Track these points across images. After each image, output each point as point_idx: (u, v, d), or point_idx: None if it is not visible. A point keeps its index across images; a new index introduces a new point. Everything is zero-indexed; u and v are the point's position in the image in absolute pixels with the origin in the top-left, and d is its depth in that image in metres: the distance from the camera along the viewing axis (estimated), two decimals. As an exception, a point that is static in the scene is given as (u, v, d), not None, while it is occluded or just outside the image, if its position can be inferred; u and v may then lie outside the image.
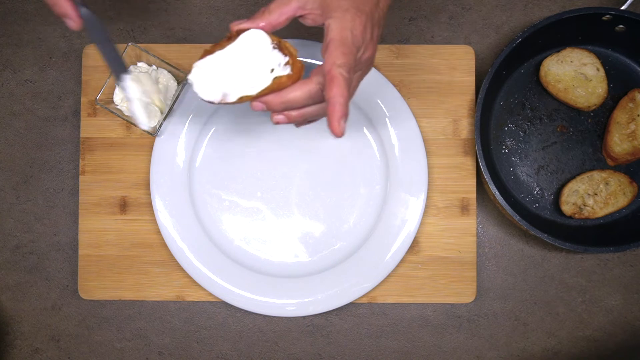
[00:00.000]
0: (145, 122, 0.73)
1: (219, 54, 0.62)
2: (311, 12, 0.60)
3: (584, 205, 0.81)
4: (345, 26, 0.58)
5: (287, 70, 0.61)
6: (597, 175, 0.82)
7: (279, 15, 0.60)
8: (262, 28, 0.61)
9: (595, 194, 0.81)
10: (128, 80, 0.70)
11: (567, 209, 0.82)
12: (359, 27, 0.58)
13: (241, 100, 0.62)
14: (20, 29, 0.88)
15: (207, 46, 0.63)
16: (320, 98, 0.61)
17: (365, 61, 0.61)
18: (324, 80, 0.58)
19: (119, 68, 0.70)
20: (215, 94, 0.62)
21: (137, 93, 0.72)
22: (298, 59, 0.62)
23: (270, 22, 0.60)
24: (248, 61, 0.61)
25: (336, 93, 0.57)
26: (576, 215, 0.82)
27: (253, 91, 0.61)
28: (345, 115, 0.58)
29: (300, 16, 0.60)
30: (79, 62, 0.87)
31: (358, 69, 0.61)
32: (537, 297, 0.85)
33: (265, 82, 0.61)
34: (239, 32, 0.62)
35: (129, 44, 0.81)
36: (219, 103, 0.62)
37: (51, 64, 0.88)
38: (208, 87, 0.62)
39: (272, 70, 0.61)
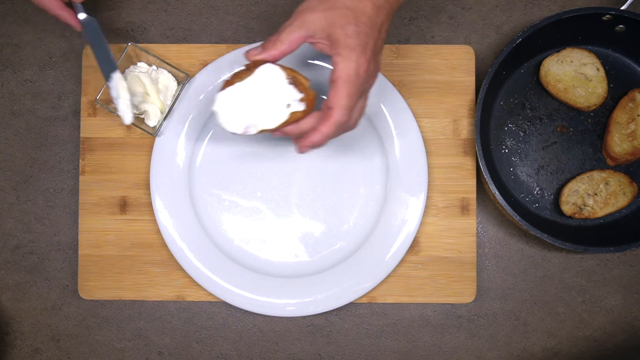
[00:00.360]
0: (129, 118, 0.77)
1: (238, 86, 0.68)
2: (319, 42, 0.64)
3: (584, 205, 0.81)
4: (350, 67, 0.62)
5: (302, 107, 0.68)
6: (597, 175, 0.82)
7: (289, 44, 0.64)
8: (274, 57, 0.65)
9: (595, 194, 0.81)
10: (116, 79, 0.76)
11: (567, 209, 0.82)
12: (364, 66, 0.62)
13: (261, 132, 0.69)
14: (20, 29, 0.88)
15: (227, 76, 0.71)
16: None
17: (370, 87, 0.66)
18: (324, 111, 0.64)
19: (109, 67, 0.75)
20: (238, 126, 0.69)
21: (123, 91, 0.76)
22: (310, 88, 0.69)
23: (282, 51, 0.65)
24: (266, 96, 0.68)
25: (323, 130, 0.64)
26: (576, 215, 0.82)
27: (272, 125, 0.68)
28: (317, 146, 0.66)
29: (311, 42, 0.65)
30: (79, 62, 0.87)
31: (362, 94, 0.65)
32: (537, 297, 0.85)
33: (283, 117, 0.68)
34: (256, 63, 0.67)
35: (129, 44, 0.81)
36: (242, 134, 0.69)
37: (51, 64, 0.88)
38: (231, 120, 0.69)
39: (289, 105, 0.68)
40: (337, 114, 0.63)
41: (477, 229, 0.86)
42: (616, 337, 0.85)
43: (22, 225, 0.87)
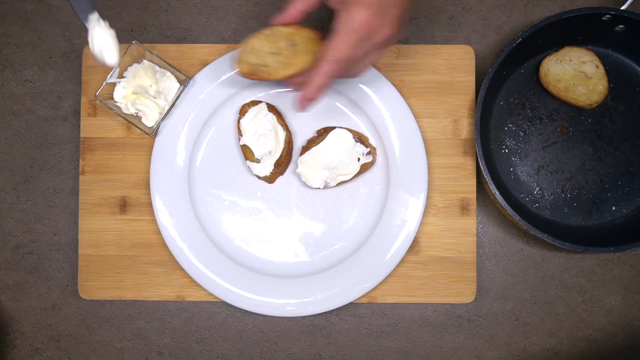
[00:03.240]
0: (113, 57, 0.72)
1: (314, 150, 0.82)
2: (331, 1, 0.67)
3: (264, 66, 0.73)
4: (348, 19, 0.64)
5: (370, 158, 0.83)
6: (283, 31, 0.72)
7: (305, 4, 0.69)
8: (293, 16, 0.70)
9: (279, 53, 0.72)
10: (94, 21, 0.71)
11: (243, 67, 0.73)
12: (364, 19, 0.64)
13: (339, 184, 0.83)
14: (20, 29, 0.88)
15: (303, 142, 0.84)
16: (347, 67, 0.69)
17: (381, 42, 0.67)
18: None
19: (86, 9, 0.71)
20: (319, 182, 0.82)
21: (104, 31, 0.72)
22: (370, 143, 0.84)
23: (298, 9, 0.70)
24: (340, 154, 0.81)
25: (314, 78, 0.68)
26: (253, 77, 0.74)
27: (347, 177, 0.82)
28: (312, 99, 0.70)
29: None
30: (79, 62, 0.87)
31: (365, 48, 0.67)
32: (537, 297, 0.85)
33: (355, 169, 0.82)
34: (327, 130, 0.82)
35: (133, 42, 0.80)
36: (323, 188, 0.83)
37: (51, 64, 0.88)
38: (313, 178, 0.82)
39: (359, 159, 0.82)
40: (324, 65, 0.66)
41: (477, 229, 0.86)
42: (616, 337, 0.85)
43: (22, 225, 0.87)
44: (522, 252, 0.86)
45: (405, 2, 0.65)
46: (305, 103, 0.71)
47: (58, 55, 0.88)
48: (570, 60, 0.82)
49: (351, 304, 0.85)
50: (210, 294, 0.85)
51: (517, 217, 0.77)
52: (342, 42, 0.65)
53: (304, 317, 0.86)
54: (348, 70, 0.69)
